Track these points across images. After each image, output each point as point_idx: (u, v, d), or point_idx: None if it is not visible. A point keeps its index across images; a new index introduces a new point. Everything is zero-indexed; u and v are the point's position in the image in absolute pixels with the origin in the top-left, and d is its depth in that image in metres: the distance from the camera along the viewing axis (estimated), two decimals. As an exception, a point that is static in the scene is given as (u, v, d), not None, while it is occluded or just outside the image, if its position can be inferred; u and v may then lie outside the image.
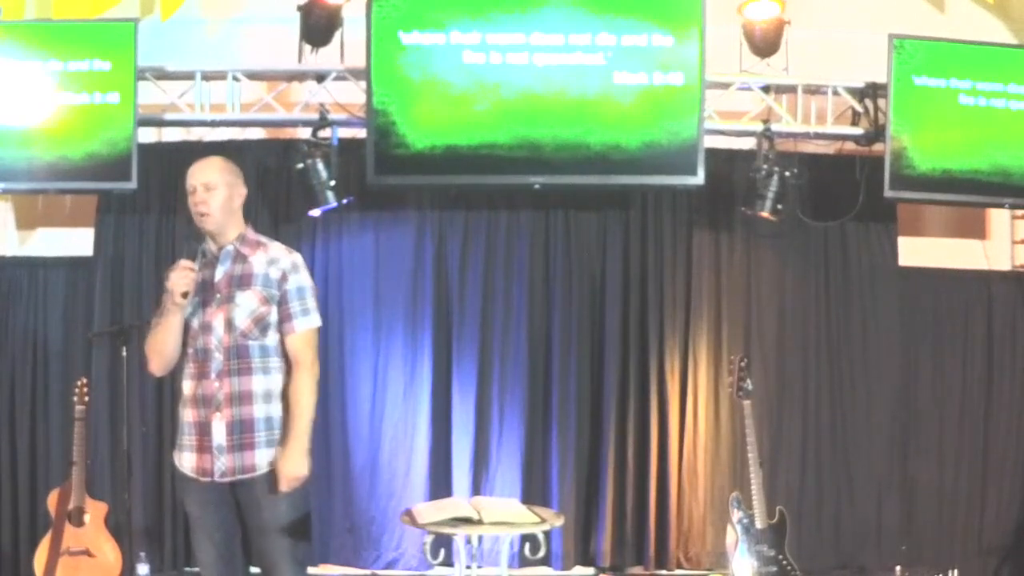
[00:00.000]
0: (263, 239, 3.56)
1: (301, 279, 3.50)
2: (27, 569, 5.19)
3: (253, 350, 3.41)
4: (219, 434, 3.37)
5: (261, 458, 3.40)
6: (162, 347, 3.42)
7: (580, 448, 5.67)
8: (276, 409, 3.44)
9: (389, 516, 5.54)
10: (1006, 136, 5.39)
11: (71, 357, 5.65)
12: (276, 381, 3.45)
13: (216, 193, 3.44)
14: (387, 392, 5.63)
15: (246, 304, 3.42)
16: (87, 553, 5.01)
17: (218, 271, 3.46)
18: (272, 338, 3.45)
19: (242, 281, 3.45)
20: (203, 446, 3.39)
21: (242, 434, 3.38)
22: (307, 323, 3.47)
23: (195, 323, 3.43)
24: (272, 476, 3.40)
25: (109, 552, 5.05)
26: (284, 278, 3.47)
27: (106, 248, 5.65)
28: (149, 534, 5.51)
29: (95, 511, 5.09)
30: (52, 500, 5.09)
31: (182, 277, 3.35)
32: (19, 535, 5.56)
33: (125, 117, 5.19)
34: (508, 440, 5.62)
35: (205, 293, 3.43)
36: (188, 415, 3.43)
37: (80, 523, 5.03)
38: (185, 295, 3.36)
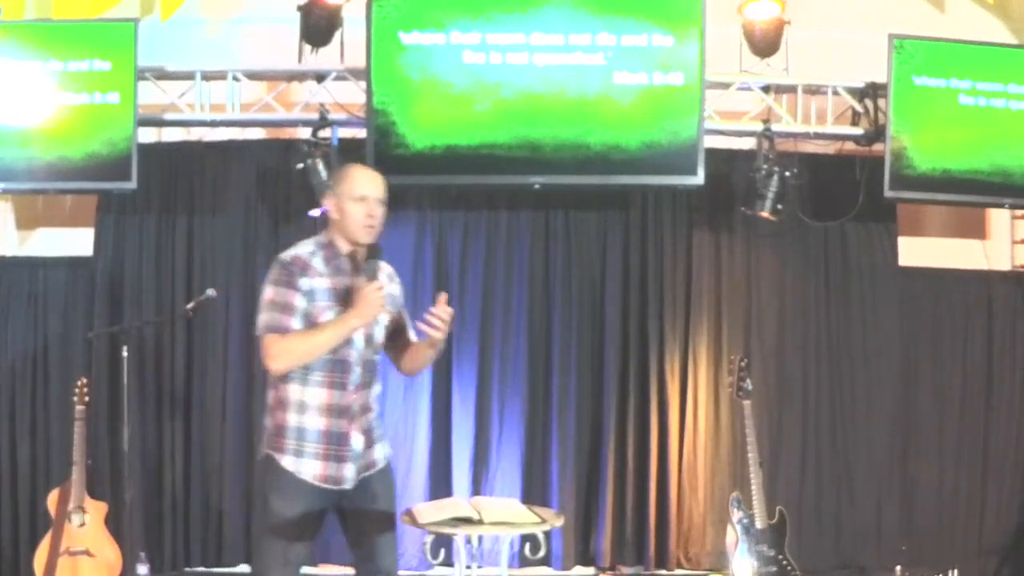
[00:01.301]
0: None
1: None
2: (27, 569, 5.19)
3: (378, 363, 3.52)
4: (357, 443, 3.41)
5: (380, 453, 3.51)
6: (318, 355, 3.33)
7: (580, 448, 5.67)
8: (378, 408, 3.55)
9: (389, 516, 5.54)
10: (1006, 136, 5.39)
11: (71, 357, 5.64)
12: (380, 387, 3.57)
13: (383, 210, 3.44)
14: (387, 392, 5.63)
15: (383, 321, 3.47)
16: (87, 553, 5.01)
17: (354, 286, 3.41)
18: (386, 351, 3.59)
19: None
20: (333, 455, 3.37)
21: (368, 437, 3.46)
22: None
23: (349, 335, 3.39)
24: (387, 471, 3.53)
25: (109, 552, 5.05)
26: (401, 293, 3.64)
27: (106, 248, 5.65)
28: (149, 534, 5.52)
29: (95, 511, 5.09)
30: (52, 500, 5.09)
31: (382, 297, 3.33)
32: (19, 535, 5.56)
33: (125, 117, 5.19)
34: (508, 440, 5.62)
35: (347, 305, 3.35)
36: (319, 423, 3.36)
37: (80, 523, 5.03)
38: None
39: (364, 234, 3.40)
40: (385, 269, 3.53)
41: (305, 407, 3.35)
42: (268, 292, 3.36)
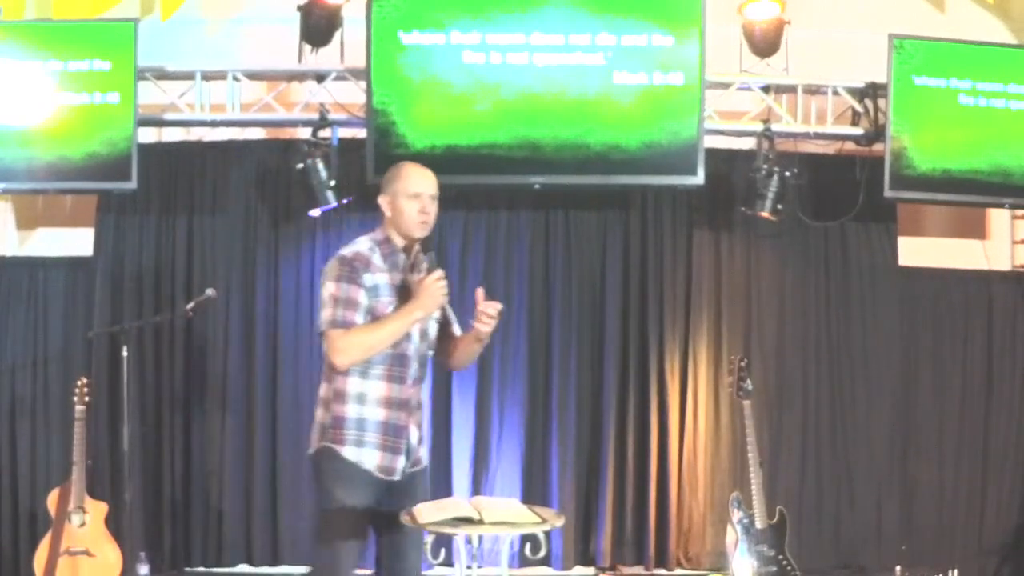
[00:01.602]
0: None
1: None
2: (27, 569, 5.19)
3: (430, 359, 3.61)
4: (413, 436, 3.51)
5: (424, 451, 3.62)
6: (382, 348, 3.39)
7: (580, 448, 5.67)
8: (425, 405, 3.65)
9: (389, 516, 5.54)
10: (1006, 136, 5.39)
11: (71, 357, 5.64)
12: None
13: (436, 204, 3.51)
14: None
15: (435, 316, 3.54)
16: (87, 553, 5.00)
17: (413, 280, 3.47)
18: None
19: None
20: (391, 446, 3.45)
21: (420, 432, 3.57)
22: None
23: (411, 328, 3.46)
24: (427, 469, 3.67)
25: (109, 552, 5.04)
26: None
27: (106, 248, 5.65)
28: (149, 534, 5.51)
29: (95, 511, 5.08)
30: (52, 500, 5.09)
31: (444, 288, 3.39)
32: (19, 535, 5.56)
33: (125, 117, 5.19)
34: (508, 440, 5.62)
35: (404, 300, 3.42)
36: (379, 415, 3.43)
37: (80, 523, 5.03)
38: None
39: (418, 229, 3.47)
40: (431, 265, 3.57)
41: (365, 399, 3.42)
42: (331, 288, 3.40)
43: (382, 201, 3.51)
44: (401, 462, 3.48)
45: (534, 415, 5.67)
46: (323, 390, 3.49)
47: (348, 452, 3.41)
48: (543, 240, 5.74)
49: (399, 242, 3.50)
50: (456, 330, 3.62)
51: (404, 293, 3.43)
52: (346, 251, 3.46)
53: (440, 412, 5.62)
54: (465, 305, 5.57)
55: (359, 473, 3.41)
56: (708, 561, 5.61)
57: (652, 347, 5.67)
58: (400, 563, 3.56)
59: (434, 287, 3.36)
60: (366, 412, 3.42)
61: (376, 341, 3.37)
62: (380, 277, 3.42)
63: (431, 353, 3.60)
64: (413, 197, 3.46)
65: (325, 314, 3.39)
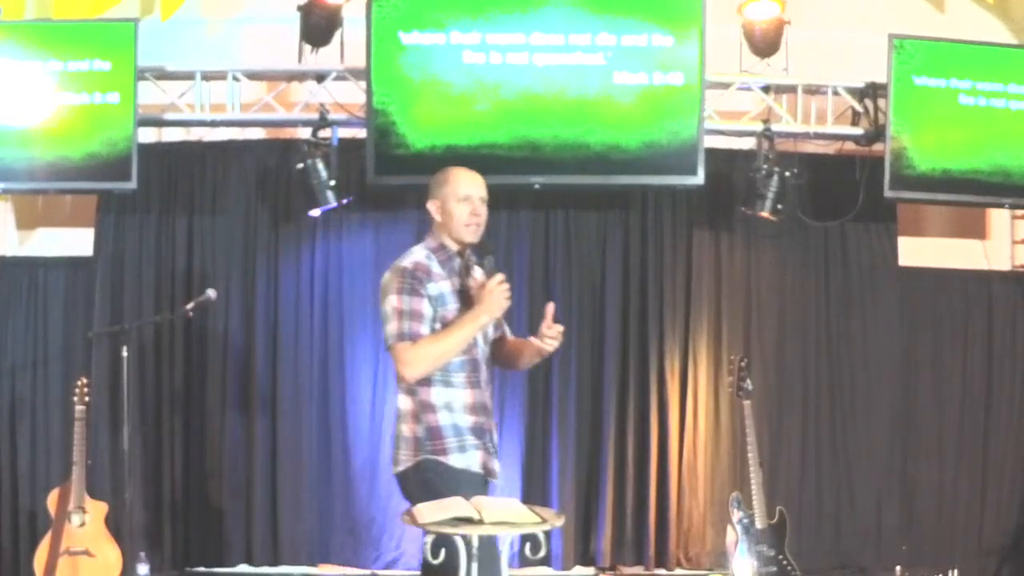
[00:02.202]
0: None
1: None
2: (27, 569, 5.19)
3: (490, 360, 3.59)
4: (496, 438, 3.55)
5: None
6: (452, 356, 3.37)
7: (580, 448, 5.67)
8: None
9: (389, 516, 5.54)
10: (1006, 136, 5.39)
11: (71, 357, 5.64)
12: None
13: (486, 207, 3.50)
14: (387, 392, 5.62)
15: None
16: (87, 553, 5.00)
17: (471, 283, 3.48)
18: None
19: None
20: (487, 448, 3.47)
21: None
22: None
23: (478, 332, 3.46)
24: None
25: (109, 552, 5.04)
26: None
27: (106, 248, 5.65)
28: (149, 534, 5.51)
29: (95, 511, 5.08)
30: (52, 500, 5.09)
31: (507, 290, 3.37)
32: (19, 535, 5.56)
33: (125, 117, 5.19)
34: (508, 440, 5.61)
35: (466, 305, 3.41)
36: (468, 420, 3.42)
37: (80, 523, 5.03)
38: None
39: (469, 233, 3.45)
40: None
41: (453, 407, 3.40)
42: (394, 301, 3.35)
43: (431, 206, 3.48)
44: (497, 463, 3.50)
45: (534, 415, 5.67)
46: (405, 403, 3.43)
47: (454, 460, 3.38)
48: (543, 240, 5.74)
49: (453, 247, 3.47)
50: (506, 330, 3.66)
51: (465, 298, 3.41)
52: (404, 262, 3.41)
53: (440, 412, 5.62)
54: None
55: (469, 478, 3.39)
56: (708, 561, 5.61)
57: (652, 347, 5.67)
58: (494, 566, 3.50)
59: (498, 291, 3.34)
60: (457, 419, 3.40)
61: (445, 350, 3.34)
62: (443, 285, 3.40)
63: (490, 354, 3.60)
64: (463, 200, 3.44)
65: (391, 328, 3.34)
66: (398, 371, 3.38)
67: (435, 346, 3.32)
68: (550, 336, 3.44)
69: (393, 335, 3.34)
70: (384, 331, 3.38)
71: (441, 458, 3.37)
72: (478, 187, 3.49)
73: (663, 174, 5.30)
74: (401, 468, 3.43)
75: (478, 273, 3.52)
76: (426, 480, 3.38)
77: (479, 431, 3.43)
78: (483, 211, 3.47)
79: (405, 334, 3.32)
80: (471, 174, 3.54)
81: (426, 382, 3.37)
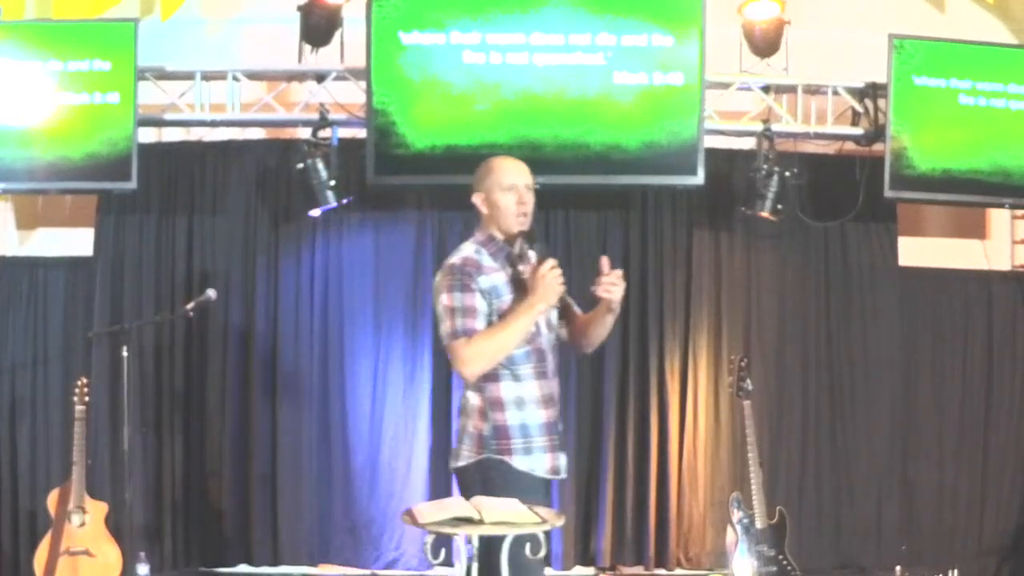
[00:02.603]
0: None
1: None
2: (27, 569, 5.19)
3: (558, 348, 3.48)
4: (561, 428, 3.44)
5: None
6: (510, 350, 3.28)
7: (580, 448, 5.66)
8: None
9: (389, 516, 5.54)
10: (1006, 136, 5.39)
11: (71, 357, 5.64)
12: None
13: (532, 195, 3.44)
14: (387, 392, 5.63)
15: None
16: (87, 553, 5.00)
17: (525, 272, 3.37)
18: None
19: None
20: (556, 445, 3.39)
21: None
22: None
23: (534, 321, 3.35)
24: None
25: (109, 552, 5.04)
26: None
27: (106, 248, 5.65)
28: (149, 534, 5.51)
29: (95, 511, 5.08)
30: (52, 500, 5.09)
31: (560, 276, 3.27)
32: (19, 535, 5.56)
33: (125, 117, 5.19)
34: (508, 440, 5.61)
35: (524, 294, 3.31)
36: (540, 416, 3.35)
37: (80, 523, 5.03)
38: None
39: (517, 222, 3.38)
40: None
41: (523, 403, 3.32)
42: (445, 300, 3.28)
43: (476, 200, 3.41)
44: (564, 459, 3.40)
45: (534, 415, 5.66)
46: (473, 399, 3.34)
47: (518, 462, 3.30)
48: (543, 240, 5.72)
49: (501, 238, 3.40)
50: (577, 310, 3.57)
51: (520, 288, 3.32)
52: (453, 259, 3.34)
53: (440, 412, 5.62)
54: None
55: (531, 481, 3.30)
56: (708, 561, 5.61)
57: (652, 347, 5.67)
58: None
59: (551, 276, 3.24)
60: (527, 417, 3.32)
61: (502, 344, 3.25)
62: (495, 277, 3.32)
63: (557, 342, 3.49)
64: (508, 190, 3.37)
65: (445, 327, 3.27)
66: (457, 370, 3.29)
67: (491, 340, 3.24)
68: (609, 282, 3.33)
69: (448, 334, 3.26)
70: (440, 332, 3.31)
71: (505, 458, 3.29)
72: (522, 175, 3.42)
73: (663, 174, 5.30)
74: (462, 464, 3.35)
75: (533, 260, 3.42)
76: (487, 479, 3.31)
77: (551, 427, 3.36)
78: (529, 199, 3.40)
79: (459, 331, 3.24)
80: (514, 162, 3.47)
81: (493, 377, 3.29)
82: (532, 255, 3.42)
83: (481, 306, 3.28)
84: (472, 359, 3.23)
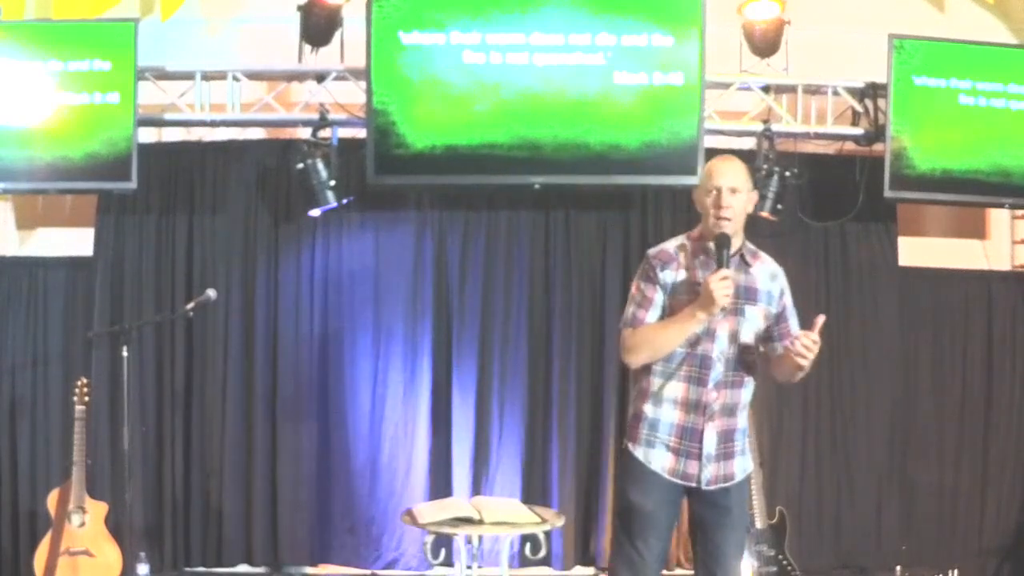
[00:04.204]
0: (756, 249, 3.55)
1: (789, 292, 3.55)
2: (27, 569, 5.19)
3: (748, 364, 3.44)
4: (710, 443, 3.38)
5: (737, 467, 3.45)
6: (667, 347, 3.33)
7: (580, 448, 5.66)
8: (747, 420, 3.50)
9: (389, 516, 5.55)
10: (1006, 136, 5.39)
11: (71, 357, 5.64)
12: (751, 394, 3.50)
13: (739, 197, 3.40)
14: (387, 392, 5.63)
15: (754, 319, 3.42)
16: (87, 553, 5.01)
17: (705, 277, 3.35)
18: (757, 353, 3.47)
19: (748, 294, 3.42)
20: (685, 451, 3.38)
21: (726, 443, 3.42)
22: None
23: (699, 328, 3.35)
24: (743, 484, 3.50)
25: (109, 552, 5.05)
26: (783, 294, 3.52)
27: (106, 248, 5.65)
28: (149, 534, 5.52)
29: (95, 511, 5.09)
30: (52, 500, 5.09)
31: (726, 287, 3.23)
32: (19, 535, 5.56)
33: (125, 117, 5.19)
34: (508, 440, 5.62)
35: (695, 297, 3.32)
36: (674, 416, 3.38)
37: (80, 523, 5.03)
38: (723, 308, 3.28)
39: (715, 224, 3.38)
40: (766, 266, 3.49)
41: (662, 399, 3.39)
42: (632, 286, 3.44)
43: (695, 198, 3.51)
44: (699, 468, 3.37)
45: (534, 415, 5.67)
46: (632, 386, 3.50)
47: (638, 451, 3.41)
48: (543, 240, 5.74)
49: (708, 238, 3.40)
50: (779, 345, 3.46)
51: (696, 290, 3.33)
52: (654, 248, 3.46)
53: (440, 412, 5.63)
54: (468, 307, 5.66)
55: (647, 473, 3.39)
56: (708, 561, 5.60)
57: (652, 347, 5.67)
58: (721, 573, 3.47)
59: (716, 285, 3.21)
60: (661, 412, 3.39)
61: (662, 342, 3.32)
62: (682, 274, 3.37)
63: (751, 358, 3.43)
64: (710, 192, 3.39)
65: (625, 312, 3.43)
66: (621, 356, 3.44)
67: (651, 336, 3.34)
68: (804, 345, 3.26)
69: (623, 319, 3.42)
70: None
71: (630, 445, 3.44)
72: (725, 177, 3.40)
73: (663, 174, 5.30)
74: (623, 445, 3.52)
75: (760, 273, 3.45)
76: (620, 464, 3.55)
77: (685, 431, 3.37)
78: (732, 201, 3.36)
79: (628, 320, 3.39)
80: (720, 164, 3.46)
81: (649, 369, 3.38)
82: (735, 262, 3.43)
83: (659, 298, 3.38)
84: (630, 349, 3.38)
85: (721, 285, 3.22)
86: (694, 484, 3.39)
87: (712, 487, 3.40)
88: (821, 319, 3.33)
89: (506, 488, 5.54)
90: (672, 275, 3.37)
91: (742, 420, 3.45)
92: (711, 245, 3.37)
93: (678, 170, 5.27)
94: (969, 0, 6.02)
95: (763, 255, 3.53)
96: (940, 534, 5.82)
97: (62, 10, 5.58)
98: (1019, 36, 6.00)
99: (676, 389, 3.37)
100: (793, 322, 3.51)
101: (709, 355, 3.35)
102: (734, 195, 3.38)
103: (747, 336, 3.41)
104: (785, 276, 3.55)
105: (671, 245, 3.46)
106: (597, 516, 5.63)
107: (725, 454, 3.41)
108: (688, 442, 3.38)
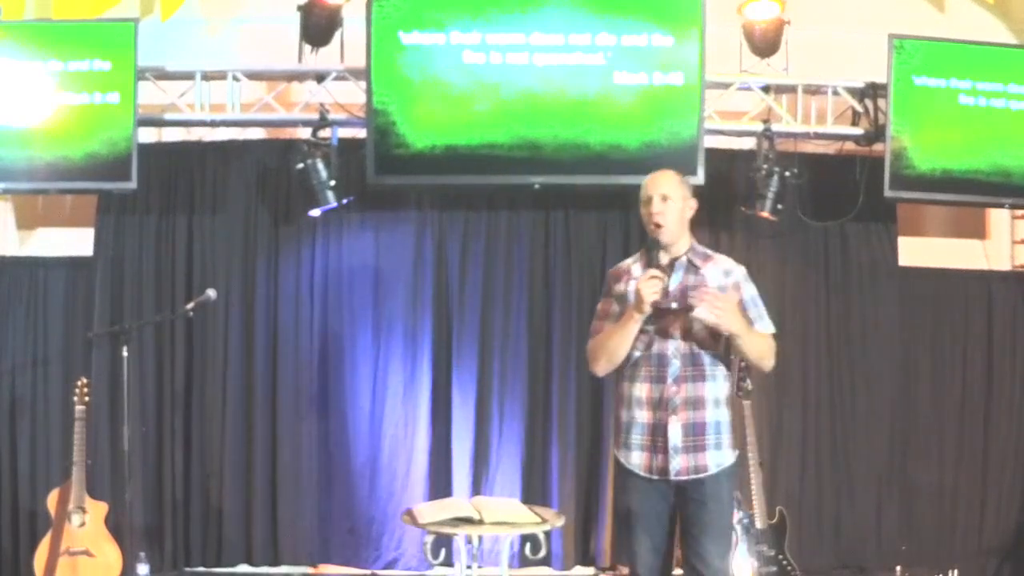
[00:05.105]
0: (710, 252, 3.66)
1: (752, 288, 3.61)
2: (27, 569, 5.19)
3: (706, 358, 3.52)
4: (675, 435, 3.47)
5: (710, 459, 3.50)
6: (617, 351, 3.50)
7: (580, 448, 5.66)
8: (724, 414, 3.55)
9: (389, 516, 5.55)
10: (1006, 136, 5.39)
11: (71, 357, 5.64)
12: (723, 388, 3.57)
13: (671, 204, 3.54)
14: (387, 392, 5.64)
15: (701, 314, 3.44)
16: (87, 553, 5.00)
17: (673, 280, 3.53)
18: (721, 346, 3.54)
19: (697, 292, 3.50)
20: (656, 446, 3.49)
21: (695, 436, 3.50)
22: (765, 328, 3.57)
23: (651, 328, 3.49)
24: (720, 478, 3.53)
25: (109, 552, 5.05)
26: (738, 287, 3.57)
27: (106, 248, 5.65)
28: (149, 534, 5.51)
29: (95, 511, 5.09)
30: (52, 500, 5.09)
31: (652, 286, 3.39)
32: (19, 535, 5.56)
33: (125, 117, 5.19)
34: (508, 440, 5.62)
35: (662, 300, 3.46)
36: (644, 416, 3.51)
37: (80, 523, 5.03)
38: (652, 304, 3.40)
39: (653, 232, 3.54)
40: (720, 265, 3.59)
41: (632, 401, 3.54)
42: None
43: (641, 216, 3.64)
44: (667, 462, 3.46)
45: (534, 415, 5.67)
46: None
47: (621, 455, 3.57)
48: (543, 240, 5.74)
49: (658, 250, 3.54)
50: (752, 318, 3.56)
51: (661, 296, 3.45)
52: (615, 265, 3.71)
53: (440, 412, 5.63)
54: (468, 307, 5.66)
55: (630, 476, 3.54)
56: (708, 561, 5.60)
57: (652, 347, 5.67)
58: (699, 566, 3.49)
59: (642, 285, 3.39)
60: (633, 415, 3.53)
61: (612, 346, 3.50)
62: (632, 284, 3.50)
63: (706, 353, 3.50)
64: (644, 204, 3.58)
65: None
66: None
67: (602, 342, 3.55)
68: (700, 298, 3.39)
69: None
70: None
71: (615, 450, 3.61)
72: (656, 186, 3.58)
73: (663, 174, 5.29)
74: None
75: (712, 272, 3.56)
76: (614, 469, 3.68)
77: (655, 428, 3.48)
78: (661, 208, 3.52)
79: (590, 332, 3.62)
80: (654, 175, 3.64)
81: (620, 376, 3.57)
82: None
83: (613, 310, 3.58)
84: (590, 359, 3.61)
85: (647, 284, 3.39)
86: (668, 477, 3.48)
87: (683, 478, 3.47)
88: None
89: (506, 488, 5.54)
90: (623, 286, 3.56)
91: (714, 414, 3.51)
92: (669, 252, 3.54)
93: (678, 170, 5.21)
94: (969, 0, 6.02)
95: (718, 257, 3.64)
96: (940, 534, 5.82)
97: (62, 10, 5.58)
98: (1019, 36, 6.00)
99: (641, 390, 3.52)
100: (754, 313, 3.56)
101: (665, 353, 3.49)
102: (665, 202, 3.53)
103: (700, 331, 3.49)
104: (745, 273, 3.63)
105: (628, 260, 3.67)
106: (597, 516, 5.63)
107: (695, 447, 3.48)
108: (657, 437, 3.49)
